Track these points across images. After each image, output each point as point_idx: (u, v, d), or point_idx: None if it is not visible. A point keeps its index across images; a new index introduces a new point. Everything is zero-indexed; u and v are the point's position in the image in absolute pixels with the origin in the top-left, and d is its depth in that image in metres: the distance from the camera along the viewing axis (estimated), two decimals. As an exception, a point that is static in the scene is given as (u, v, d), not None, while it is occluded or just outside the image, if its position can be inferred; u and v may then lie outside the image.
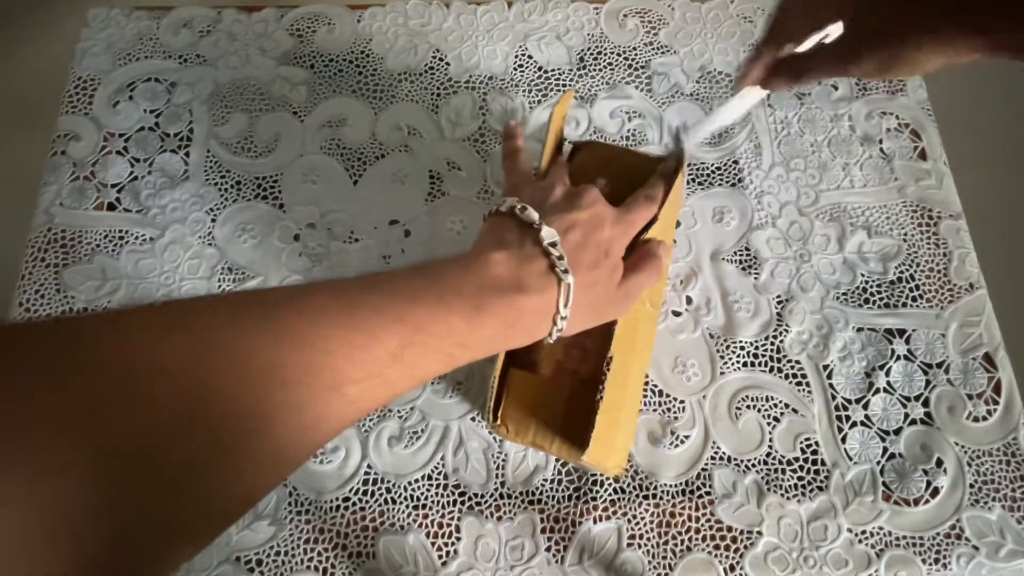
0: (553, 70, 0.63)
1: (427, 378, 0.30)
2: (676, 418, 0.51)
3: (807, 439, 0.51)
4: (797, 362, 0.53)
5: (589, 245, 0.36)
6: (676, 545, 0.48)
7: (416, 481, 0.49)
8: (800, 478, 0.50)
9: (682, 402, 0.51)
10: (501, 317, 0.32)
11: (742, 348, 0.53)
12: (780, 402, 0.52)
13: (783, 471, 0.50)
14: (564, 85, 0.63)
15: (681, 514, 0.49)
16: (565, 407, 0.42)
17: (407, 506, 0.49)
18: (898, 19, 0.29)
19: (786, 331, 0.54)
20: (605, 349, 0.41)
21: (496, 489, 0.49)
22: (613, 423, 0.42)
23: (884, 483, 0.49)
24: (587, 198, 0.39)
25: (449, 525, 0.48)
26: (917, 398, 0.52)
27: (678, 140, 0.46)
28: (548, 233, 0.34)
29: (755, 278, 0.55)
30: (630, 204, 0.42)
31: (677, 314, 0.54)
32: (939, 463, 0.50)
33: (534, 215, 0.35)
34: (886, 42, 0.30)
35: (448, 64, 0.63)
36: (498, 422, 0.42)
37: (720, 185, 0.59)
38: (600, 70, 0.63)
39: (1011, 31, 0.26)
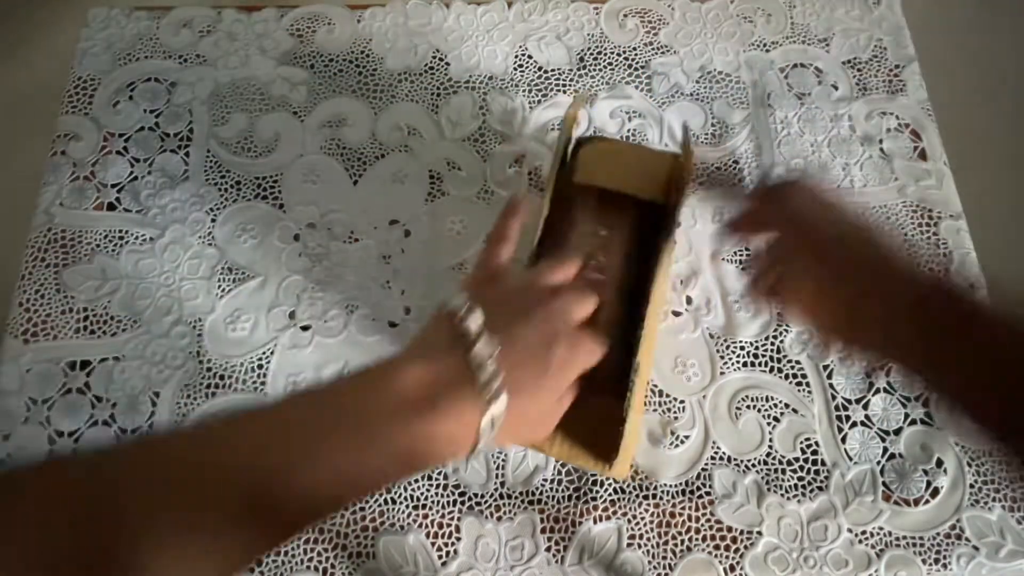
0: (553, 70, 0.63)
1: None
2: (676, 418, 0.51)
3: (807, 439, 0.51)
4: (797, 362, 0.53)
5: (531, 363, 0.31)
6: (676, 545, 0.48)
7: (416, 481, 0.49)
8: (800, 478, 0.50)
9: (682, 402, 0.51)
10: (397, 446, 0.27)
11: (742, 348, 0.53)
12: (780, 402, 0.52)
13: (783, 471, 0.50)
14: (564, 85, 0.63)
15: (681, 514, 0.49)
16: (577, 413, 0.41)
17: (407, 506, 0.49)
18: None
19: (786, 331, 0.54)
20: (617, 352, 0.41)
21: (496, 489, 0.49)
22: (631, 430, 0.42)
23: (884, 483, 0.49)
24: (554, 304, 0.33)
25: (449, 525, 0.48)
26: (917, 398, 0.52)
27: (686, 137, 0.46)
28: (482, 348, 0.29)
29: (755, 278, 0.55)
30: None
31: (677, 314, 0.54)
32: (939, 463, 0.50)
33: (472, 325, 0.29)
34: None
35: (448, 64, 0.63)
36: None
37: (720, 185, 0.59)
38: (600, 70, 0.63)
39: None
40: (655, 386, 0.52)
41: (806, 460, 0.50)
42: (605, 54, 0.64)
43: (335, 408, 0.28)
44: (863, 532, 0.48)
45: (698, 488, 0.49)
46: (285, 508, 0.26)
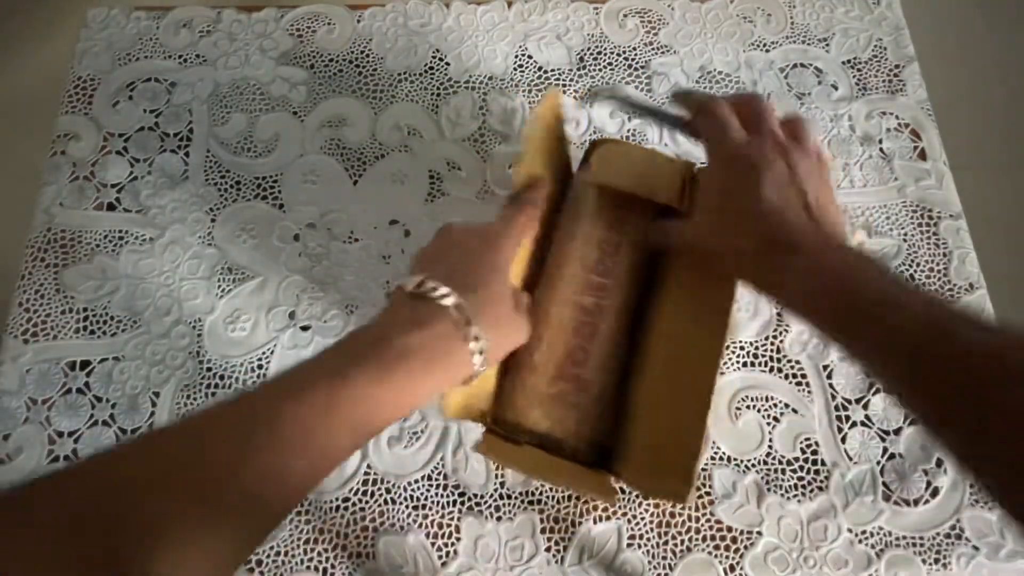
0: (553, 70, 0.63)
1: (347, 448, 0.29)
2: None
3: (807, 439, 0.51)
4: (797, 362, 0.53)
5: (459, 269, 0.34)
6: (676, 545, 0.48)
7: (416, 481, 0.49)
8: (800, 478, 0.50)
9: (682, 402, 0.51)
10: (376, 366, 0.30)
11: (742, 348, 0.53)
12: (780, 402, 0.52)
13: (783, 471, 0.50)
14: (564, 85, 0.63)
15: (681, 514, 0.49)
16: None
17: (407, 506, 0.49)
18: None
19: (786, 331, 0.54)
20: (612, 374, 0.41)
21: (496, 489, 0.49)
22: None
23: (884, 483, 0.49)
24: (447, 234, 0.38)
25: (449, 525, 0.48)
26: (917, 398, 0.52)
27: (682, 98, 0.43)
28: (412, 280, 0.33)
29: (755, 278, 0.55)
30: (506, 215, 0.41)
31: (677, 314, 0.54)
32: (939, 463, 0.50)
33: (408, 279, 0.34)
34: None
35: (448, 64, 0.63)
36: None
37: (720, 185, 0.59)
38: (600, 70, 0.63)
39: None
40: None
41: (806, 460, 0.50)
42: (605, 54, 0.64)
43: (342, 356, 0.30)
44: (863, 532, 0.48)
45: (698, 488, 0.49)
46: (296, 470, 0.27)
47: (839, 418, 0.51)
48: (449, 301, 0.32)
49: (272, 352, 0.52)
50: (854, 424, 0.51)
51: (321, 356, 0.30)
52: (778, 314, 0.54)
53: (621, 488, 0.49)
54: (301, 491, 0.28)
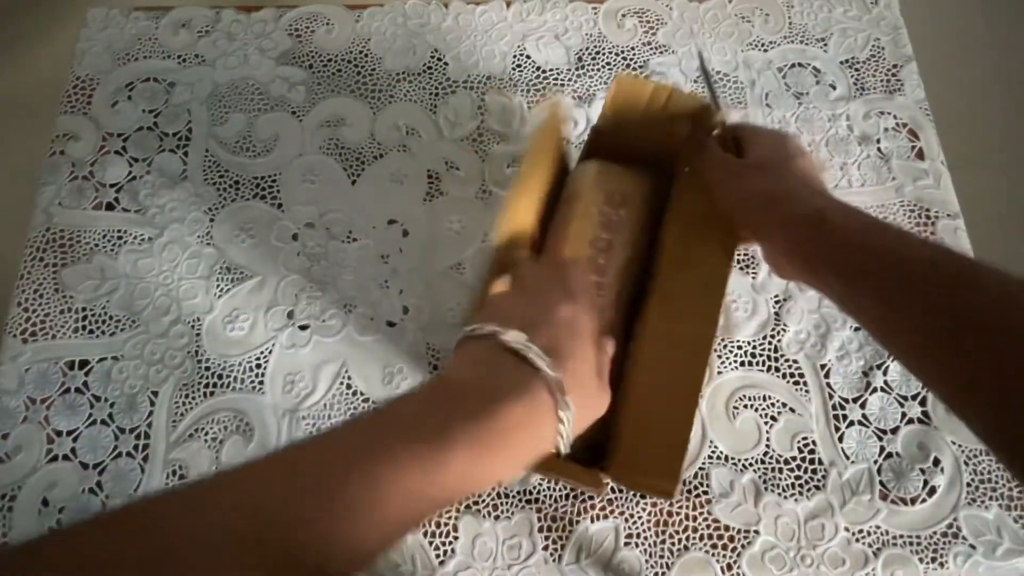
0: (552, 70, 0.63)
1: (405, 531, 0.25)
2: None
3: (804, 438, 0.51)
4: (795, 361, 0.53)
5: (557, 336, 0.31)
6: (673, 544, 0.48)
7: (414, 480, 0.49)
8: (797, 477, 0.50)
9: (680, 401, 0.51)
10: (477, 441, 0.26)
11: (739, 348, 0.53)
12: (777, 401, 0.52)
13: (780, 470, 0.50)
14: (563, 85, 0.63)
15: (678, 513, 0.49)
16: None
17: (405, 505, 0.49)
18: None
19: (784, 330, 0.54)
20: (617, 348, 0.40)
21: (494, 488, 0.49)
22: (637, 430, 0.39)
23: (881, 482, 0.50)
24: (534, 283, 0.35)
25: (447, 524, 0.48)
26: (914, 397, 0.52)
27: (707, 79, 0.47)
28: (514, 336, 0.29)
29: (753, 277, 0.56)
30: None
31: (675, 313, 0.54)
32: (936, 462, 0.50)
33: (507, 331, 0.30)
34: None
35: (447, 64, 0.63)
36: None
37: (718, 185, 0.59)
38: (599, 70, 0.63)
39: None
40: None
41: (803, 459, 0.50)
42: (603, 54, 0.64)
43: (398, 423, 0.26)
44: (860, 531, 0.48)
45: (695, 487, 0.49)
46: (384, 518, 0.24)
47: (836, 417, 0.51)
48: (552, 374, 0.29)
49: (270, 352, 0.53)
50: (851, 423, 0.51)
51: (415, 406, 0.27)
52: (776, 314, 0.54)
53: (614, 487, 0.49)
54: (366, 559, 0.24)
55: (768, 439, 0.51)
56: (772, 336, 0.54)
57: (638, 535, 0.48)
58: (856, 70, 0.64)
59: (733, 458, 0.50)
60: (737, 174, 0.41)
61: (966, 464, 0.50)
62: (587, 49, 0.64)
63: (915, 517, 0.49)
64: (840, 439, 0.51)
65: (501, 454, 0.27)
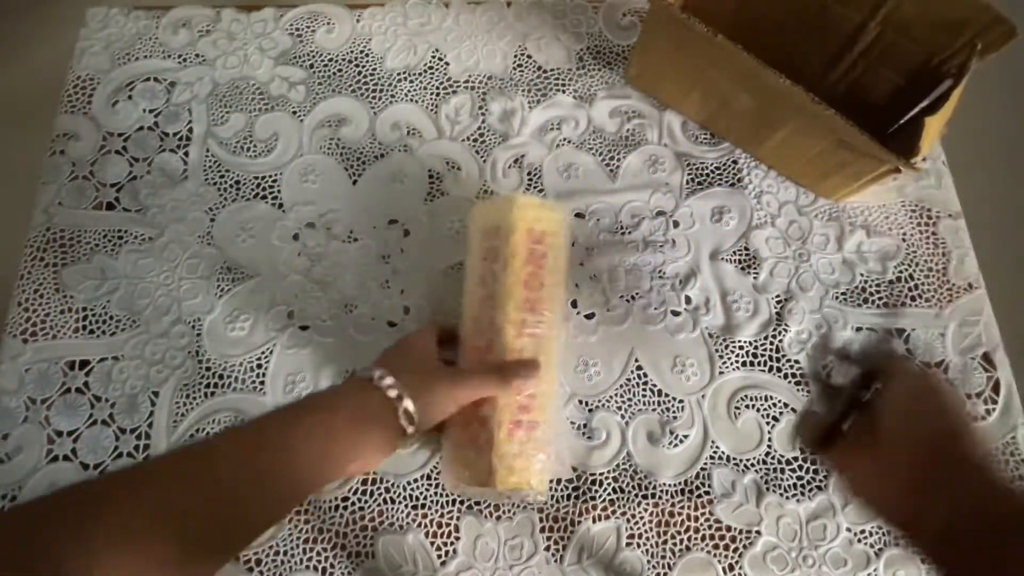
0: (552, 70, 0.63)
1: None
2: (675, 418, 0.51)
3: (806, 438, 0.51)
4: (796, 362, 0.53)
5: (399, 358, 0.44)
6: (675, 544, 0.48)
7: (415, 481, 0.49)
8: (799, 477, 0.50)
9: (681, 402, 0.51)
10: (318, 414, 0.38)
11: (741, 348, 0.53)
12: (779, 401, 0.52)
13: (782, 471, 0.50)
14: (563, 85, 0.63)
15: (680, 513, 0.49)
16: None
17: (406, 506, 0.49)
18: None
19: (785, 331, 0.54)
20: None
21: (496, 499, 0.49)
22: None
23: (883, 482, 0.49)
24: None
25: (448, 524, 0.48)
26: (916, 397, 0.52)
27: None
28: (371, 371, 0.41)
29: (754, 278, 0.55)
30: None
31: (676, 314, 0.54)
32: (938, 462, 0.50)
33: (376, 374, 0.41)
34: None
35: (447, 64, 0.63)
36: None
37: (719, 185, 0.59)
38: (599, 70, 0.63)
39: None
40: (654, 386, 0.52)
41: (805, 460, 0.50)
42: (604, 54, 0.64)
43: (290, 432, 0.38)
44: (862, 531, 0.48)
45: (697, 487, 0.49)
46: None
47: (838, 417, 0.51)
48: (388, 380, 0.40)
49: (271, 352, 0.52)
50: (853, 423, 0.51)
51: (280, 411, 0.39)
52: (777, 314, 0.54)
53: (620, 487, 0.49)
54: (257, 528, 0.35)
55: (770, 439, 0.51)
56: (774, 336, 0.54)
57: (640, 536, 0.48)
58: (857, 70, 0.64)
59: (735, 458, 0.50)
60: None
61: (968, 464, 0.50)
62: (588, 49, 0.64)
63: (917, 517, 0.48)
64: (842, 439, 0.51)
65: (344, 438, 0.38)
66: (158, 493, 0.31)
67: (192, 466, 0.33)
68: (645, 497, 0.49)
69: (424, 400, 0.40)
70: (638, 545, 0.48)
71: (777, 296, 0.55)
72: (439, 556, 0.47)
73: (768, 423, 0.51)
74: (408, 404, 0.39)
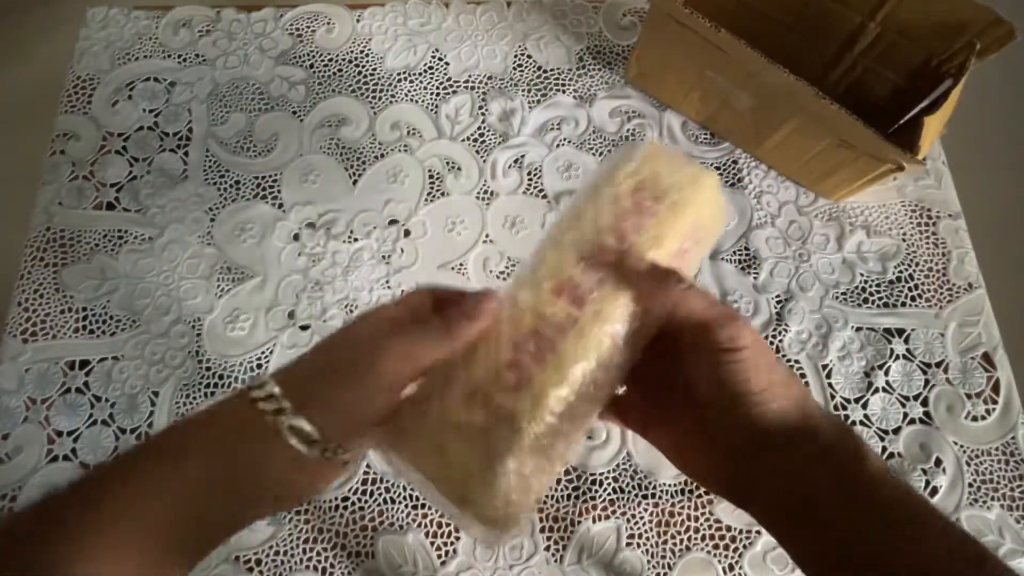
0: (552, 70, 0.63)
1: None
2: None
3: (806, 438, 0.51)
4: (796, 361, 0.53)
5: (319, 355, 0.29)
6: (675, 544, 0.48)
7: (415, 481, 0.49)
8: (799, 477, 0.50)
9: (681, 401, 0.51)
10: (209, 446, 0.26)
11: (741, 347, 0.53)
12: (779, 401, 0.52)
13: (782, 470, 0.50)
14: (563, 85, 0.62)
15: (680, 513, 0.49)
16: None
17: (406, 505, 0.49)
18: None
19: (785, 330, 0.54)
20: None
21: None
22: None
23: (883, 482, 0.49)
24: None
25: (448, 524, 0.48)
26: (916, 397, 0.52)
27: None
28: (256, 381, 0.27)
29: (754, 277, 0.55)
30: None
31: (676, 314, 0.54)
32: (938, 462, 0.50)
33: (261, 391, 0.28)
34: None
35: (447, 64, 0.63)
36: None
37: (719, 185, 0.59)
38: (599, 70, 0.63)
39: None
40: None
41: (805, 459, 0.50)
42: (604, 53, 0.64)
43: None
44: (862, 531, 0.48)
45: (697, 487, 0.49)
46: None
47: (838, 417, 0.51)
48: (258, 393, 0.27)
49: (271, 352, 0.52)
50: (853, 423, 0.51)
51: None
52: (777, 314, 0.54)
53: (620, 488, 0.49)
54: None
55: (770, 439, 0.51)
56: (774, 336, 0.54)
57: (640, 536, 0.48)
58: (857, 70, 0.64)
59: (735, 458, 0.50)
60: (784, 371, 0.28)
61: (968, 464, 0.50)
62: (588, 49, 0.64)
63: (917, 517, 0.48)
64: (842, 439, 0.51)
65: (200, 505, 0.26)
66: None
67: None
68: (645, 497, 0.49)
69: (326, 403, 0.27)
70: (638, 545, 0.48)
71: (777, 296, 0.55)
72: (439, 556, 0.47)
73: (768, 423, 0.51)
74: (295, 420, 0.26)
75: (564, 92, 0.62)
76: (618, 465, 0.50)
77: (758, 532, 0.48)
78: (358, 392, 0.27)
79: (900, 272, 0.56)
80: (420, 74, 0.63)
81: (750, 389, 0.26)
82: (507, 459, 0.26)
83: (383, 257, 0.56)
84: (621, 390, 0.31)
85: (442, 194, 0.58)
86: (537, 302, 0.29)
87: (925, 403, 0.52)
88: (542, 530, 0.48)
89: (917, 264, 0.56)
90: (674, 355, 0.30)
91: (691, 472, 0.31)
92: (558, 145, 0.60)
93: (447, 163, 0.59)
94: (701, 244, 0.33)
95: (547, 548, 0.48)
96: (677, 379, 0.30)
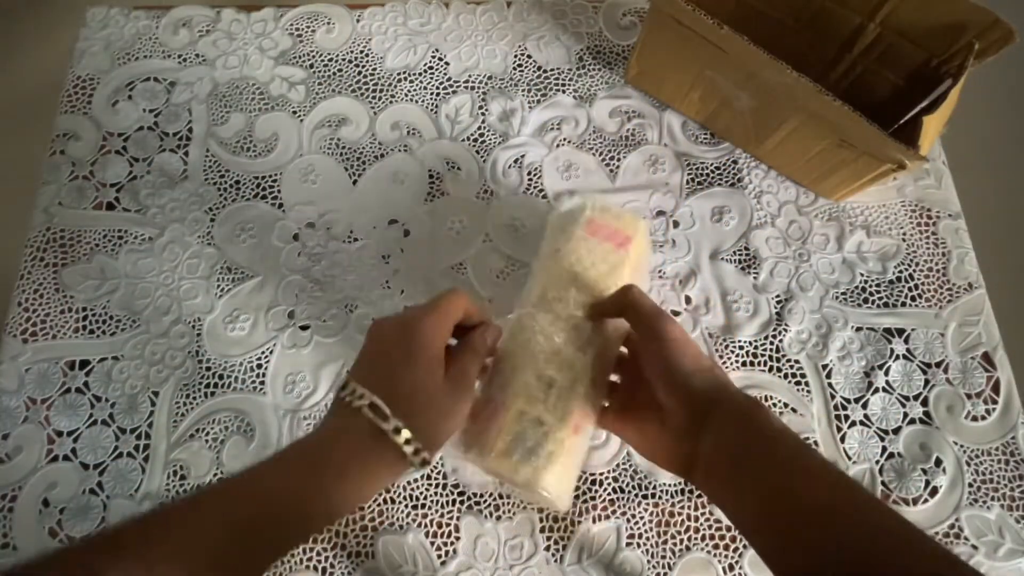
0: (552, 69, 0.63)
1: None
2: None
3: (806, 438, 0.51)
4: (796, 361, 0.53)
5: (379, 365, 0.35)
6: (675, 544, 0.48)
7: (415, 480, 0.49)
8: (799, 477, 0.50)
9: (681, 401, 0.51)
10: (305, 454, 0.33)
11: (741, 347, 0.53)
12: (779, 401, 0.52)
13: (782, 470, 0.50)
14: (563, 85, 0.63)
15: (680, 513, 0.49)
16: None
17: (406, 505, 0.49)
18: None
19: (785, 330, 0.54)
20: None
21: (495, 488, 0.49)
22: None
23: (883, 482, 0.50)
24: (372, 331, 0.37)
25: (448, 524, 0.48)
26: (916, 397, 0.52)
27: None
28: (343, 385, 0.35)
29: (754, 277, 0.55)
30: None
31: (676, 313, 0.54)
32: (938, 462, 0.50)
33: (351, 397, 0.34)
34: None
35: (447, 64, 0.63)
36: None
37: (719, 185, 0.59)
38: (599, 70, 0.63)
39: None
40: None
41: (805, 459, 0.50)
42: (604, 53, 0.64)
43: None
44: (862, 531, 0.48)
45: (697, 488, 0.49)
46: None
47: (838, 417, 0.51)
48: (362, 402, 0.33)
49: (271, 352, 0.52)
50: (853, 423, 0.51)
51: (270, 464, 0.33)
52: (777, 314, 0.54)
53: (620, 488, 0.49)
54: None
55: (770, 439, 0.51)
56: (773, 336, 0.54)
57: (640, 535, 0.48)
58: (857, 70, 0.64)
59: (735, 458, 0.50)
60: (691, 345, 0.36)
61: (968, 464, 0.50)
62: (588, 49, 0.64)
63: (917, 517, 0.49)
64: (842, 439, 0.51)
65: (332, 483, 0.32)
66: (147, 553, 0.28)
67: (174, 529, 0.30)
68: (645, 497, 0.49)
69: (423, 421, 0.33)
70: (638, 545, 0.48)
71: (777, 296, 0.55)
72: (439, 556, 0.47)
73: (768, 423, 0.51)
74: (406, 435, 0.32)
75: (564, 92, 0.62)
76: (618, 465, 0.50)
77: (758, 532, 0.48)
78: (450, 420, 0.35)
79: (900, 272, 0.56)
80: (420, 74, 0.63)
81: (684, 364, 0.35)
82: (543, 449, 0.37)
83: (383, 257, 0.56)
84: (606, 404, 0.41)
85: (442, 194, 0.58)
86: (552, 331, 0.39)
87: (925, 403, 0.52)
88: (542, 530, 0.48)
89: (917, 264, 0.56)
90: (635, 364, 0.40)
91: (651, 455, 0.38)
92: (558, 145, 0.60)
93: (447, 163, 0.59)
94: (639, 272, 0.45)
95: (547, 548, 0.48)
96: (638, 385, 0.38)
